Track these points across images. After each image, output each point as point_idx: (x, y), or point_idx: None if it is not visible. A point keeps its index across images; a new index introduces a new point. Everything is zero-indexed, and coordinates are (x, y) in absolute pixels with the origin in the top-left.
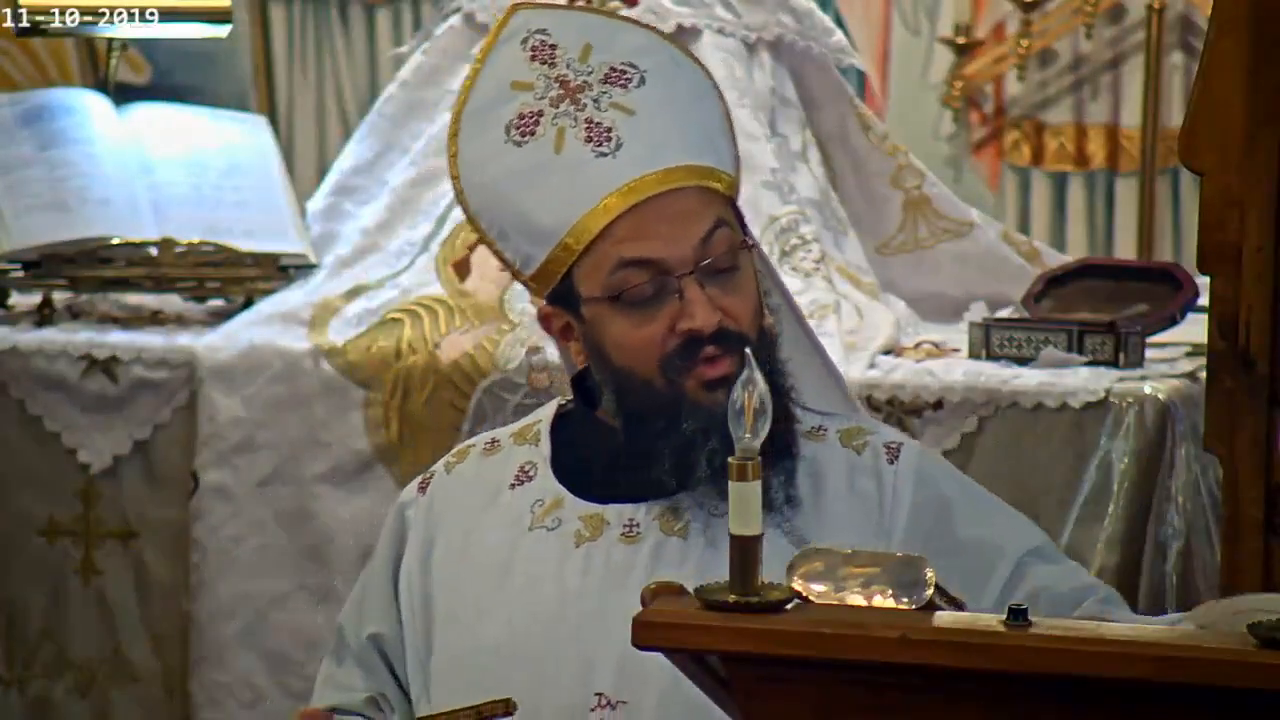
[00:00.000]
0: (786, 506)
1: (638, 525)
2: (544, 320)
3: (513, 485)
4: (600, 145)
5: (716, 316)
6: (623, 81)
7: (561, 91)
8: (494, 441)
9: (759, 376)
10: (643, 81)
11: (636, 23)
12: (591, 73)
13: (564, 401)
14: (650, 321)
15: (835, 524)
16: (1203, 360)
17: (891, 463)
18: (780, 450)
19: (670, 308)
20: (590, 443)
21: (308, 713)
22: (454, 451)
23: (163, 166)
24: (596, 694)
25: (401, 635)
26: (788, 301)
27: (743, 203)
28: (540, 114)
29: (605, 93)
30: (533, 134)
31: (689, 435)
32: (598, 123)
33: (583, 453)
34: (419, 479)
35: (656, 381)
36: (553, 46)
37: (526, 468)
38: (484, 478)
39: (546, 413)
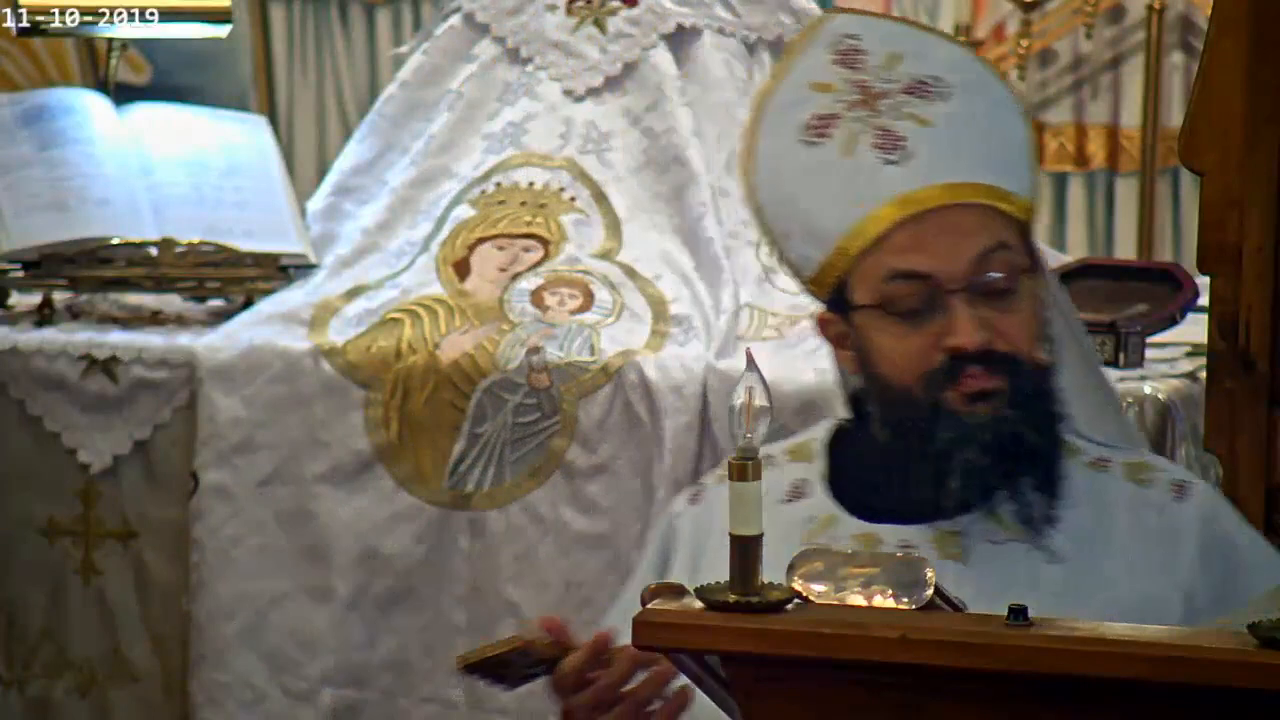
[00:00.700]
0: (1046, 525)
1: (913, 547)
2: (820, 326)
3: (785, 501)
4: (890, 153)
5: (982, 336)
6: (924, 93)
7: (861, 97)
8: (768, 456)
9: (759, 376)
10: (946, 96)
11: (950, 37)
12: (895, 82)
13: (841, 420)
14: (916, 334)
15: (1117, 556)
16: (1203, 360)
17: (1179, 500)
18: (1046, 473)
19: (937, 323)
20: (864, 460)
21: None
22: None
23: (163, 166)
24: None
25: None
26: (1075, 333)
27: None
28: (836, 117)
29: (904, 102)
30: (825, 135)
31: (945, 446)
32: (890, 130)
33: (857, 471)
34: (690, 491)
35: (917, 393)
36: (860, 52)
37: (800, 484)
38: None
39: (822, 430)
